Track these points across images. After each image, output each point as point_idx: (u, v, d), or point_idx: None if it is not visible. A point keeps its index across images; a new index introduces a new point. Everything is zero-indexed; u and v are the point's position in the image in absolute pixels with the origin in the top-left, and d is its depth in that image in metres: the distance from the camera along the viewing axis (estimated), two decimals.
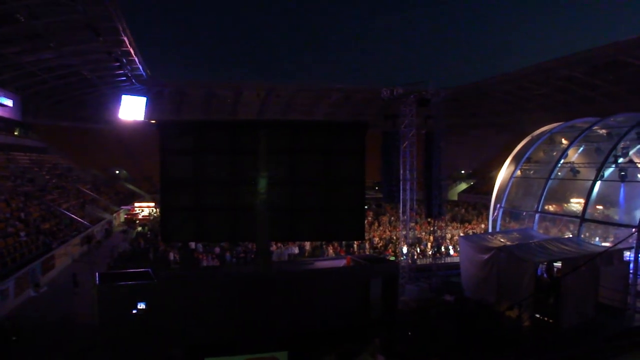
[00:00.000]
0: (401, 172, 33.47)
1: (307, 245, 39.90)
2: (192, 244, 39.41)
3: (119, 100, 76.15)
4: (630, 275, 25.85)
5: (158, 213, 52.59)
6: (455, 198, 75.83)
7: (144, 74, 69.31)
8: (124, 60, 61.02)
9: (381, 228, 49.81)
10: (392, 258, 36.50)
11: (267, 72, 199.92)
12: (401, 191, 33.71)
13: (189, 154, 23.64)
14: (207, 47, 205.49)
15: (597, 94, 60.31)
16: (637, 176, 33.81)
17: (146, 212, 66.61)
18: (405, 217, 34.08)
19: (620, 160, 31.72)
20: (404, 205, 33.95)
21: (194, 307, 21.40)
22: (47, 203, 50.49)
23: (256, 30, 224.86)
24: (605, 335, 21.74)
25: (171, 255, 37.40)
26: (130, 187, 79.80)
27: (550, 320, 23.28)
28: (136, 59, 62.28)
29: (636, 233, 26.22)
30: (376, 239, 44.01)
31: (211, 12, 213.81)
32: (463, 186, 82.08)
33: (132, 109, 76.54)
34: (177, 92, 78.41)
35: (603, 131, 35.98)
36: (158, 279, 22.09)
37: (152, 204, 67.37)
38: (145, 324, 20.39)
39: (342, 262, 28.88)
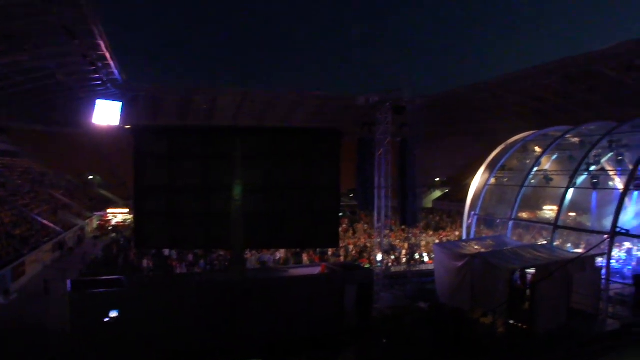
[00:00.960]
0: (376, 179, 33.52)
1: (282, 252, 39.85)
2: (166, 251, 39.15)
3: (93, 104, 75.51)
4: (602, 281, 26.22)
5: (132, 219, 52.24)
6: (430, 205, 76.13)
7: (119, 78, 68.78)
8: (100, 64, 60.54)
9: (356, 235, 49.89)
10: (367, 265, 36.55)
11: (244, 78, 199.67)
12: (376, 198, 33.72)
13: (163, 159, 23.41)
14: (183, 52, 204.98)
15: (571, 103, 60.95)
16: (608, 184, 34.35)
17: (120, 218, 66.14)
18: (379, 224, 34.14)
19: (593, 168, 32.26)
20: (379, 213, 34.00)
21: (168, 315, 21.32)
22: (19, 208, 49.98)
23: (233, 36, 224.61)
24: (578, 340, 21.98)
25: (145, 262, 37.14)
26: (104, 193, 79.15)
27: (525, 326, 23.51)
28: (112, 63, 61.81)
29: (608, 240, 26.60)
30: (351, 246, 44.07)
31: (188, 18, 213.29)
32: (437, 194, 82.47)
33: (106, 113, 75.83)
34: (153, 97, 77.96)
35: (576, 139, 36.49)
36: (131, 287, 22.00)
37: (126, 210, 66.87)
38: (118, 332, 20.28)
39: (316, 270, 28.84)
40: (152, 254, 38.77)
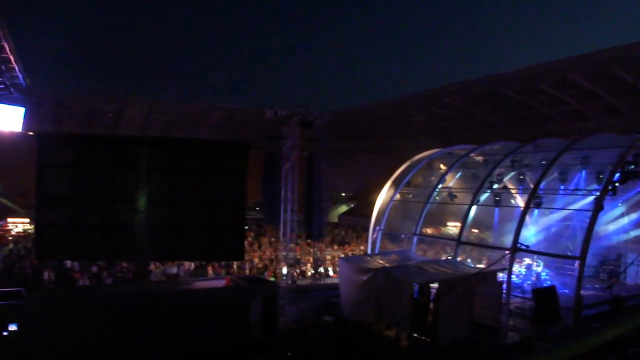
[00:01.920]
0: (282, 193, 33.50)
1: (187, 265, 39.31)
2: (68, 263, 37.99)
3: None
4: (504, 295, 26.96)
5: (33, 229, 50.44)
6: (336, 220, 76.57)
7: (23, 82, 66.24)
8: (3, 67, 58.45)
9: (261, 249, 49.71)
10: (272, 279, 36.44)
11: (152, 89, 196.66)
12: (282, 212, 33.71)
13: (67, 168, 22.68)
14: (92, 60, 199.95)
15: (475, 123, 62.47)
16: (510, 201, 35.39)
17: (20, 228, 63.76)
18: (285, 238, 34.15)
19: (495, 186, 33.15)
20: (285, 226, 33.98)
21: (68, 329, 20.64)
22: None
23: (144, 45, 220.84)
24: (480, 352, 22.51)
25: (45, 274, 35.87)
26: (4, 201, 76.20)
27: (428, 339, 23.87)
28: (16, 67, 59.68)
29: (509, 255, 27.40)
30: (256, 260, 43.87)
31: (97, 26, 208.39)
32: (343, 208, 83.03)
33: (8, 119, 73.25)
34: (58, 104, 75.42)
35: (480, 158, 37.51)
36: (31, 299, 21.26)
37: (27, 220, 64.53)
38: (16, 347, 19.52)
39: (221, 283, 28.58)
40: (54, 265, 37.56)
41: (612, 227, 34.49)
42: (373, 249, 38.75)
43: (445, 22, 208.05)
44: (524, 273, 33.73)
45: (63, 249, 23.41)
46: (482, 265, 32.65)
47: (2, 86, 65.52)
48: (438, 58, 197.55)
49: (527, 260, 34.68)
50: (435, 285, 26.06)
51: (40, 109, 73.62)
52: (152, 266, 35.06)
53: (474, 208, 32.75)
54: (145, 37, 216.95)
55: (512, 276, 28.49)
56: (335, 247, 51.87)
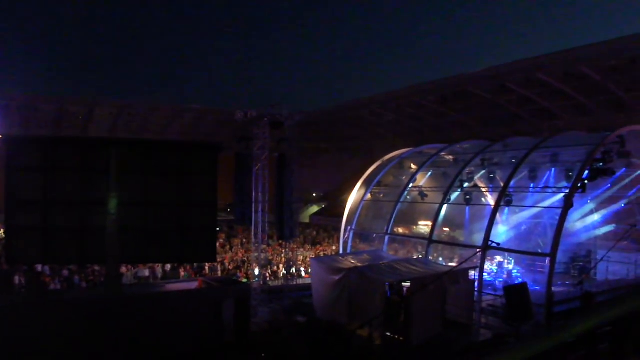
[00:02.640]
0: (254, 194, 33.45)
1: (159, 267, 39.11)
2: (39, 267, 37.58)
3: None
4: (475, 293, 27.17)
5: (2, 234, 49.88)
6: (307, 220, 76.52)
7: None
8: None
9: (233, 250, 49.60)
10: (245, 280, 36.41)
11: (123, 90, 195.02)
12: (253, 213, 33.64)
13: (36, 171, 22.63)
14: (59, 61, 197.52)
15: (446, 122, 62.78)
16: (481, 200, 35.63)
17: None
18: (257, 239, 34.10)
19: (466, 184, 33.36)
20: (256, 227, 33.93)
21: (40, 334, 20.42)
22: None
23: (109, 46, 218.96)
24: (453, 350, 22.65)
25: (16, 279, 35.50)
26: None
27: (401, 338, 23.91)
28: None
29: (480, 253, 27.59)
30: (228, 261, 43.77)
31: (66, 25, 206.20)
32: (315, 209, 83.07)
33: None
34: (26, 106, 74.65)
35: (450, 157, 37.73)
36: (1, 305, 21.02)
37: None
38: None
39: (194, 285, 28.53)
40: (24, 269, 37.15)
41: (582, 224, 34.96)
42: (345, 248, 38.84)
43: (416, 23, 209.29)
44: (495, 271, 33.99)
45: (34, 253, 23.35)
46: (453, 264, 32.85)
47: None
48: (410, 58, 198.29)
49: (499, 258, 34.96)
50: (408, 284, 26.18)
51: (8, 112, 72.49)
52: (123, 269, 34.79)
53: (444, 207, 32.94)
54: (116, 38, 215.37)
55: (484, 274, 28.82)
56: (307, 247, 51.97)
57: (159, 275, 38.38)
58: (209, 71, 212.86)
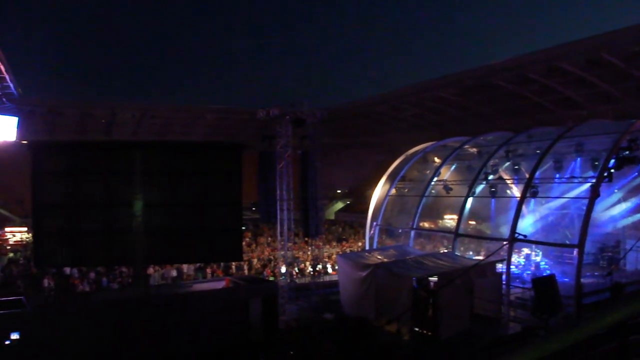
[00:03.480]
0: (278, 192, 33.49)
1: (186, 267, 39.32)
2: (67, 270, 38.00)
3: None
4: (503, 286, 27.05)
5: (31, 238, 50.39)
6: (333, 217, 76.64)
7: (14, 92, 65.93)
8: None
9: (259, 248, 49.76)
10: (271, 278, 36.50)
11: (143, 92, 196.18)
12: (278, 211, 33.70)
13: (62, 175, 22.87)
14: (82, 66, 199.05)
15: (469, 115, 62.51)
16: (506, 192, 35.43)
17: (18, 237, 63.65)
18: (283, 237, 34.16)
19: (491, 177, 33.17)
20: (282, 226, 33.97)
21: (71, 335, 20.68)
22: None
23: (131, 50, 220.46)
24: (481, 344, 22.56)
25: (45, 282, 35.88)
26: (1, 211, 76.05)
27: (429, 333, 23.88)
28: (7, 76, 59.48)
29: (507, 246, 27.47)
30: (254, 260, 43.91)
31: (84, 31, 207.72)
32: (340, 205, 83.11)
33: (2, 129, 73.15)
34: (50, 111, 75.20)
35: (474, 150, 37.54)
36: (32, 307, 21.26)
37: (25, 229, 64.40)
38: (19, 355, 19.55)
39: (221, 284, 28.69)
40: (53, 272, 37.57)
41: (609, 214, 34.58)
42: (371, 244, 38.82)
43: (438, 15, 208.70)
44: (522, 263, 33.84)
45: (61, 256, 23.56)
46: (480, 257, 32.79)
47: None
48: (431, 51, 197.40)
49: (526, 250, 34.81)
50: (435, 278, 26.13)
51: (33, 118, 73.47)
52: (150, 270, 35.07)
53: (470, 200, 32.85)
54: (136, 41, 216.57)
55: (511, 267, 28.62)
56: (333, 244, 52.04)
57: (186, 276, 38.59)
58: (226, 69, 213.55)
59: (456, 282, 23.87)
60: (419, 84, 63.79)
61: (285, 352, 23.50)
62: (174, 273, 38.29)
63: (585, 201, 26.55)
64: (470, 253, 35.61)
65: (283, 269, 34.80)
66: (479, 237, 35.86)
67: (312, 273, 37.06)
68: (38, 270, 36.67)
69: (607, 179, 26.99)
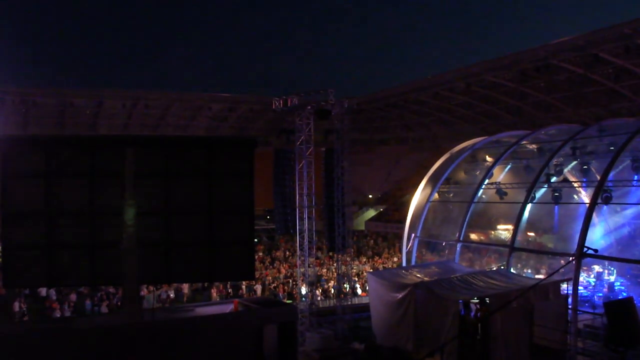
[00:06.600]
0: (297, 197, 33.46)
1: (186, 288, 39.42)
2: (43, 291, 38.13)
3: None
4: (570, 311, 26.67)
5: None
6: (362, 227, 76.50)
7: None
8: None
9: (275, 265, 49.82)
10: (289, 301, 36.52)
11: (132, 79, 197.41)
12: (297, 221, 33.65)
13: (38, 177, 22.74)
14: (60, 48, 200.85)
15: (526, 104, 62.07)
16: (573, 197, 35.07)
17: None
18: (303, 251, 34.11)
19: (554, 179, 32.87)
20: (302, 238, 33.95)
21: None
22: None
23: (118, 31, 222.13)
24: None
25: (16, 306, 36.00)
26: None
27: None
28: None
29: (574, 262, 27.16)
30: (269, 279, 43.96)
31: (65, 11, 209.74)
32: (371, 213, 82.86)
33: None
34: (23, 100, 75.66)
35: (533, 146, 37.20)
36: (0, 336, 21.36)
37: None
38: None
39: (228, 307, 28.63)
40: (26, 294, 37.72)
41: None
42: (408, 260, 38.62)
43: None
44: (593, 283, 33.51)
45: (36, 274, 23.43)
46: (541, 276, 32.46)
47: None
48: (476, 35, 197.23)
49: (597, 268, 34.47)
50: (486, 301, 25.93)
51: (2, 109, 73.61)
52: (144, 291, 35.15)
53: (528, 207, 32.56)
54: (124, 28, 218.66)
55: (579, 287, 28.26)
56: (363, 259, 51.99)
57: (187, 298, 38.67)
58: (234, 56, 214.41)
59: (512, 306, 23.65)
60: (467, 67, 63.17)
61: None
62: (172, 294, 38.38)
63: None
64: (529, 271, 35.30)
65: (303, 290, 34.81)
66: (539, 251, 35.56)
67: (337, 294, 37.02)
68: (7, 291, 36.74)
69: None
